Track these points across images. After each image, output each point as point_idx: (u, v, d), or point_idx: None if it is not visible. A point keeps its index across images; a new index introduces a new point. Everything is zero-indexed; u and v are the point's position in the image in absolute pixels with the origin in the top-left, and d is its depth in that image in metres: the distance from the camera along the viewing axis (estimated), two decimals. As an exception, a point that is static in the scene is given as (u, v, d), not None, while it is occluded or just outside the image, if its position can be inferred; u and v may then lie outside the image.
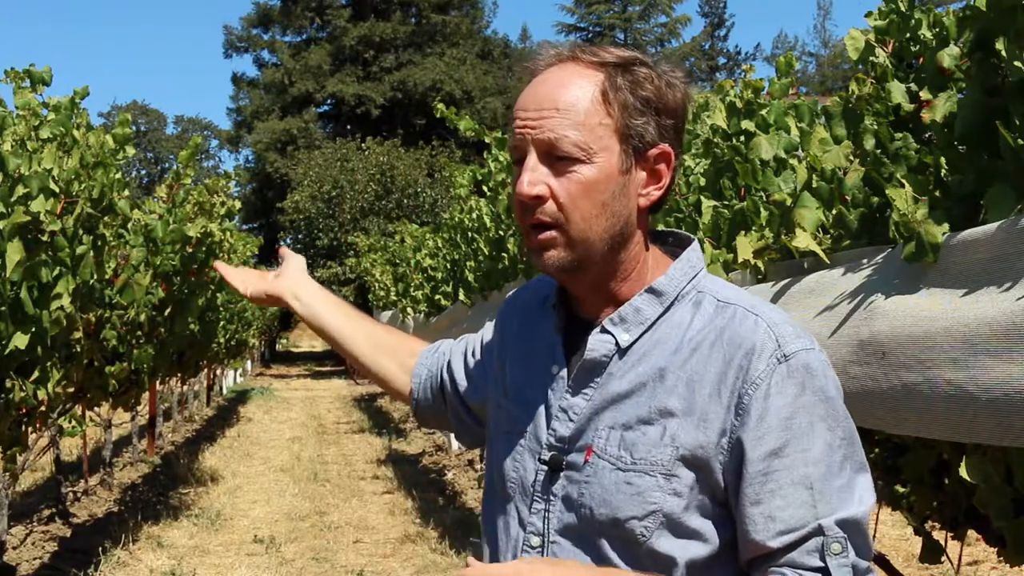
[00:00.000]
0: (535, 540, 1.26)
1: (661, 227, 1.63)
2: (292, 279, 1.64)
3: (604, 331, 1.24)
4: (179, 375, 10.17)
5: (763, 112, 2.92)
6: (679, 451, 1.16)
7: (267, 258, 33.69)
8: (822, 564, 1.10)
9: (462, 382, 1.51)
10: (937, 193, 1.86)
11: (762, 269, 2.52)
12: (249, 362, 24.42)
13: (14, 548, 5.91)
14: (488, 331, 1.52)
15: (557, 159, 1.19)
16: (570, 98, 1.20)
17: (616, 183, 1.21)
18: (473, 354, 1.52)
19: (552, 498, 1.24)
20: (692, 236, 1.33)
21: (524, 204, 1.20)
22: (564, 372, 1.28)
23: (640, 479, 1.17)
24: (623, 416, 1.21)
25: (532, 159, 1.20)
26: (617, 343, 1.23)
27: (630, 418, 1.20)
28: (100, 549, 5.93)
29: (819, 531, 1.11)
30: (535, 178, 1.19)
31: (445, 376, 1.54)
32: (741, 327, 1.18)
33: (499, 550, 1.31)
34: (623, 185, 1.21)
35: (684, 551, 1.17)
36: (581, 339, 1.27)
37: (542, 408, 1.28)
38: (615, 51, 1.24)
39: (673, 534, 1.17)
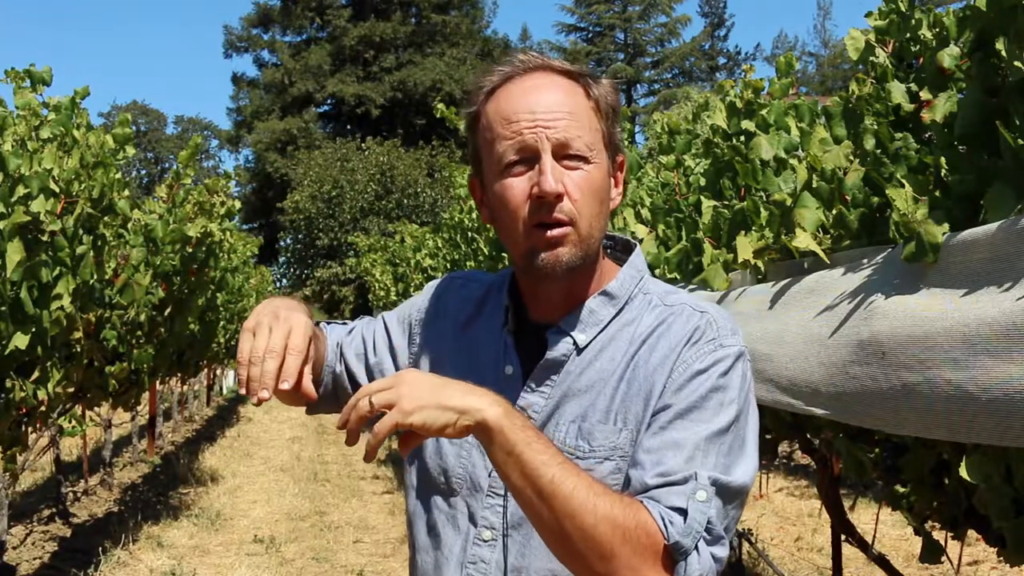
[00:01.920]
0: (487, 534, 1.28)
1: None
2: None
3: (562, 331, 1.29)
4: (179, 375, 10.18)
5: (763, 112, 2.92)
6: (632, 433, 1.22)
7: (267, 258, 33.70)
8: (683, 506, 1.12)
9: (363, 380, 1.44)
10: (937, 193, 1.86)
11: (762, 269, 2.52)
12: (249, 362, 24.37)
13: (14, 548, 5.91)
14: (390, 328, 1.48)
15: (566, 158, 1.23)
16: (573, 102, 1.25)
17: (608, 185, 1.28)
18: (375, 350, 1.47)
19: (509, 493, 1.25)
20: (634, 241, 1.40)
21: (542, 202, 1.22)
22: (518, 372, 1.31)
23: (600, 465, 1.21)
24: (581, 409, 1.26)
25: (549, 158, 1.22)
26: (575, 342, 1.28)
27: (587, 411, 1.25)
28: (100, 549, 5.93)
29: (692, 478, 1.14)
30: (557, 175, 1.22)
31: (341, 372, 1.47)
32: (688, 321, 1.26)
33: (444, 545, 1.31)
34: (609, 189, 1.29)
35: None
36: (530, 340, 1.31)
37: None
38: (568, 65, 1.29)
39: None
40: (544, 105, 1.23)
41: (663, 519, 1.11)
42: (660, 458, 1.16)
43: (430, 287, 1.50)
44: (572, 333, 1.29)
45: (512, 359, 1.32)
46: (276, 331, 1.19)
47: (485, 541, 1.28)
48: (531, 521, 1.15)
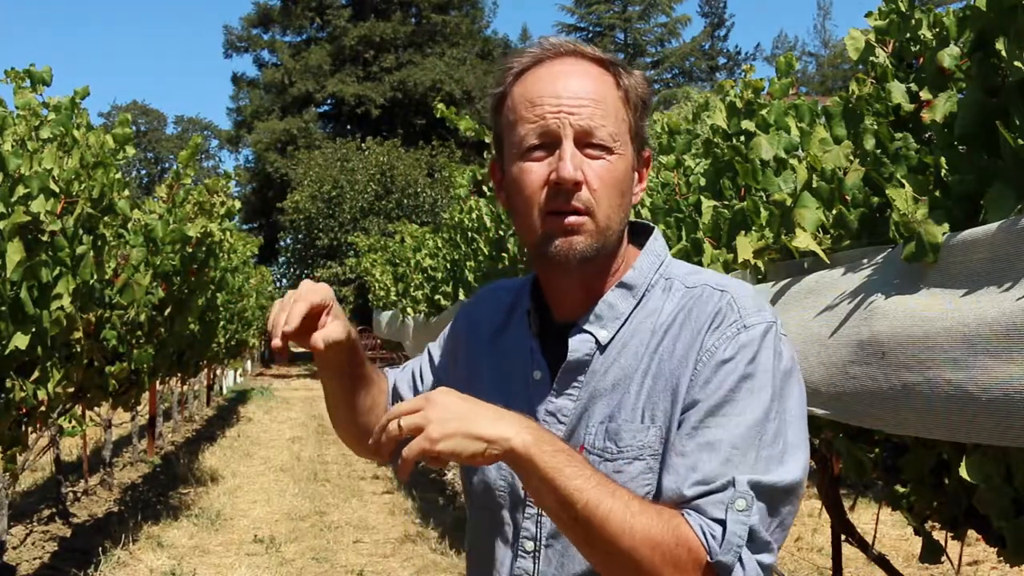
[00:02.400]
0: (529, 545, 1.26)
1: None
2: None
3: (582, 331, 1.26)
4: (179, 375, 10.17)
5: (763, 112, 2.92)
6: (661, 431, 1.18)
7: (267, 258, 33.71)
8: (723, 517, 1.09)
9: None
10: (937, 193, 1.86)
11: (762, 269, 2.52)
12: (249, 362, 24.43)
13: (14, 548, 5.91)
14: (433, 353, 1.52)
15: (589, 147, 1.20)
16: (601, 91, 1.22)
17: (630, 179, 1.25)
18: (422, 378, 1.50)
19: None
20: (653, 225, 1.35)
21: (559, 189, 1.19)
22: (546, 376, 1.28)
23: (629, 466, 1.18)
24: (609, 409, 1.22)
25: (570, 144, 1.19)
26: (597, 340, 1.25)
27: (614, 410, 1.22)
28: (100, 549, 5.93)
29: (731, 485, 1.10)
30: (576, 163, 1.19)
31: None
32: (708, 304, 1.21)
33: (496, 559, 1.30)
34: (632, 182, 1.25)
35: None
36: (557, 343, 1.28)
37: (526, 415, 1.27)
38: (600, 53, 1.26)
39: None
40: (571, 91, 1.20)
41: (704, 533, 1.09)
42: (695, 463, 1.12)
43: (465, 302, 1.51)
44: (592, 330, 1.25)
45: (539, 363, 1.29)
46: (290, 295, 1.29)
47: (528, 552, 1.26)
48: (572, 542, 1.14)
